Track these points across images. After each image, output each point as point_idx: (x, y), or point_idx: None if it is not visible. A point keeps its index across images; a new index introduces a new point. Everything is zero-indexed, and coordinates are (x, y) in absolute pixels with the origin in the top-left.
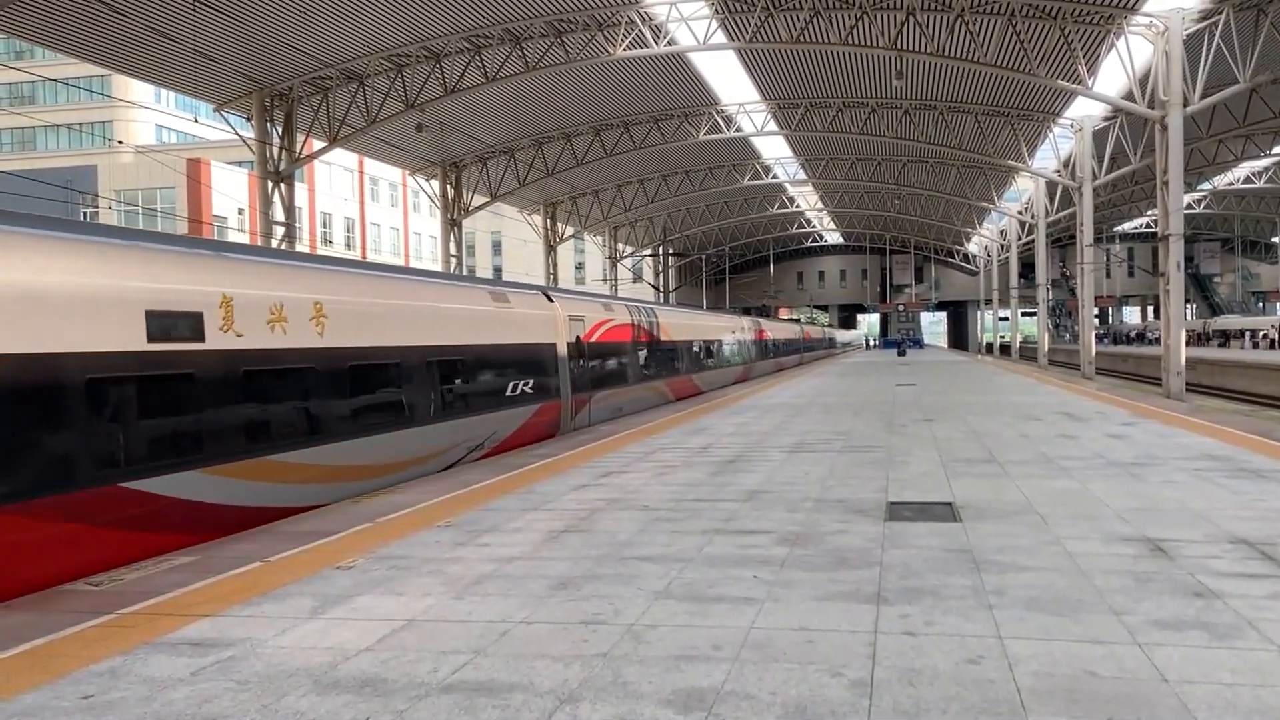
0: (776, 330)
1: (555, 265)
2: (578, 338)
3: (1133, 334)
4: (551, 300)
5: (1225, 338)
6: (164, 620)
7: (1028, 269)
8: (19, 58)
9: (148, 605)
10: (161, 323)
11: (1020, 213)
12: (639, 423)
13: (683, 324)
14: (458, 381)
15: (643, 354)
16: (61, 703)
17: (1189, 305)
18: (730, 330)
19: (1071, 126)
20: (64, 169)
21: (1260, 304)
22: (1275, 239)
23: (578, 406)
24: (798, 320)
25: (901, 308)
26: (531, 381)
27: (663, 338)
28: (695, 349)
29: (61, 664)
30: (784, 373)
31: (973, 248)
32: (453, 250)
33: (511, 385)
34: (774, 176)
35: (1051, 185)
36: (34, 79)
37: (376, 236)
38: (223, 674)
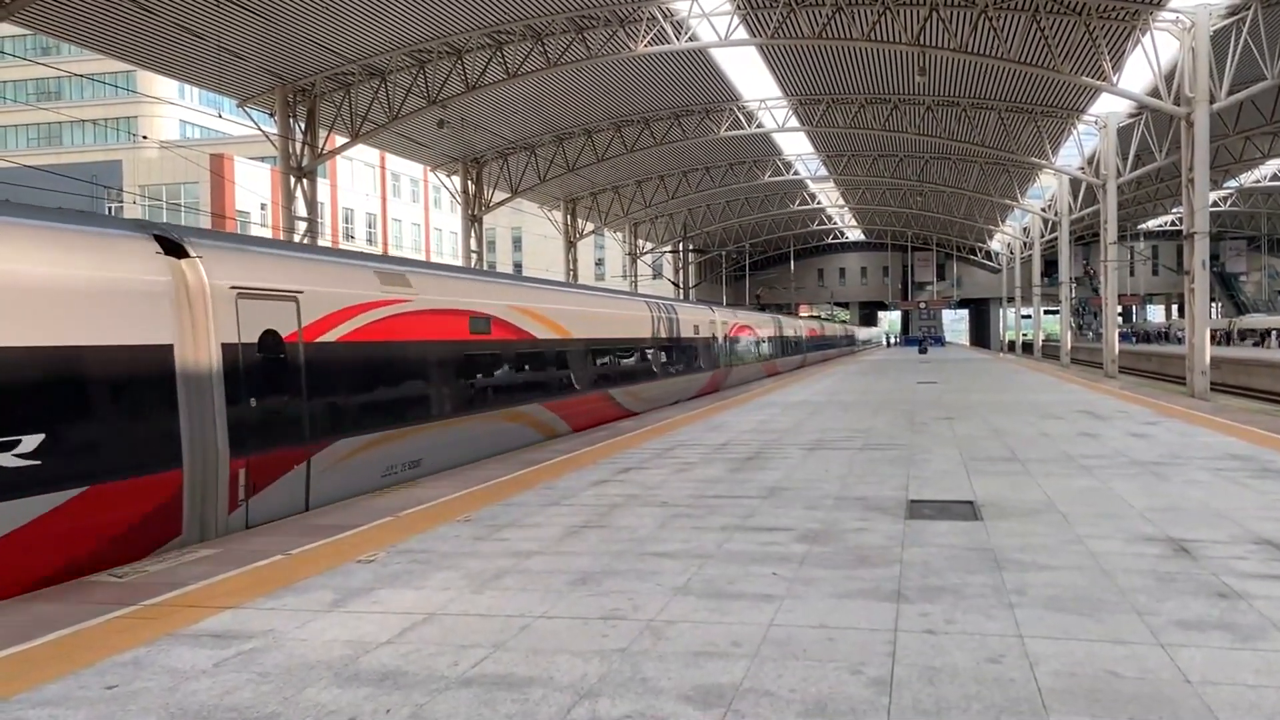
0: (764, 325)
1: (575, 261)
2: (273, 335)
3: (1156, 332)
4: (184, 251)
5: (1260, 337)
6: (186, 612)
7: (1051, 267)
8: (46, 54)
9: (170, 597)
10: None
11: (1043, 210)
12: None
13: (590, 315)
14: None
15: (490, 360)
16: (85, 693)
17: (1214, 304)
18: (690, 324)
19: (1096, 123)
20: (90, 164)
21: None
22: None
23: (260, 475)
24: (816, 316)
25: (923, 305)
26: (40, 440)
27: (546, 336)
28: (617, 352)
29: (85, 654)
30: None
31: (995, 245)
32: (474, 245)
33: None
34: (795, 173)
35: (1075, 182)
36: (61, 75)
37: (398, 232)
38: (244, 666)
